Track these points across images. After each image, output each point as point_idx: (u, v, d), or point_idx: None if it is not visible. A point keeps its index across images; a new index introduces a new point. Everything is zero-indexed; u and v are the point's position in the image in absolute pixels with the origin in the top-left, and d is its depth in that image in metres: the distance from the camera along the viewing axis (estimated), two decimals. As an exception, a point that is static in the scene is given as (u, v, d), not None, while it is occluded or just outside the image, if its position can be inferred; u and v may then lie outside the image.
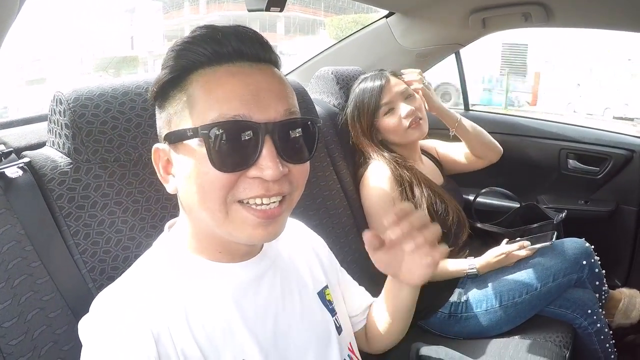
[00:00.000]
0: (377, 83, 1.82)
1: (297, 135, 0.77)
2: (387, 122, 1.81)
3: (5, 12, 0.86)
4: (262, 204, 0.74)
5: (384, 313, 1.14)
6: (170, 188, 0.81)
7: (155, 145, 0.80)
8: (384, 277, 1.74)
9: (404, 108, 1.80)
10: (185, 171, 0.75)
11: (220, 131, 0.70)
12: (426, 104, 1.91)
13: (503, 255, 1.71)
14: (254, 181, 0.73)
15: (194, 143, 0.72)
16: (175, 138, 0.75)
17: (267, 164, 0.71)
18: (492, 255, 1.73)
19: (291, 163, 0.76)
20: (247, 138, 0.71)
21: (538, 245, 1.73)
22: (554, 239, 1.75)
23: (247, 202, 0.74)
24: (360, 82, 1.88)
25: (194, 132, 0.71)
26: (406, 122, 1.80)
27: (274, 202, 0.75)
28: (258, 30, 0.78)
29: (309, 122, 0.79)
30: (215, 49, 0.73)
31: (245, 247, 0.85)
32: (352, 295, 1.16)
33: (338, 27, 27.94)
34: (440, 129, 1.98)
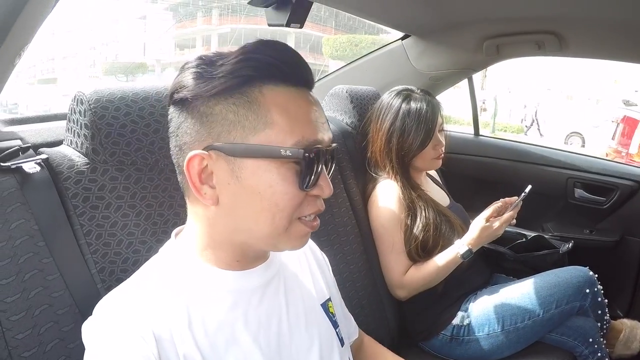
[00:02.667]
0: (435, 109, 1.80)
1: (334, 160, 0.87)
2: (427, 151, 1.80)
3: (41, 7, 0.89)
4: (312, 218, 0.82)
5: None
6: (207, 199, 0.78)
7: (193, 153, 0.75)
8: (390, 304, 1.76)
9: (439, 141, 1.83)
10: (250, 187, 0.75)
11: (313, 155, 0.75)
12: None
13: (486, 223, 1.68)
14: (313, 199, 0.80)
15: (278, 163, 0.75)
16: (250, 152, 0.74)
17: (327, 183, 0.80)
18: (476, 227, 1.70)
19: None
20: (321, 162, 0.78)
21: (517, 199, 1.73)
22: (527, 191, 1.74)
23: (305, 218, 0.81)
24: (409, 100, 1.81)
25: (294, 154, 0.74)
26: (436, 154, 1.82)
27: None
28: None
29: (337, 148, 0.88)
30: (292, 71, 0.78)
31: (264, 253, 0.88)
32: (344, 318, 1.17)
33: (333, 46, 28.21)
34: (446, 152, 1.98)
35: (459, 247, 1.68)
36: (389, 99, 1.85)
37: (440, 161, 1.86)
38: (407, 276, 1.74)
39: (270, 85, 0.75)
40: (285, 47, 0.78)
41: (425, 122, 1.77)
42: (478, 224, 1.69)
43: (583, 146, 13.82)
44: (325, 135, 0.80)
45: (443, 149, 1.85)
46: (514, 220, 1.74)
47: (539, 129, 15.87)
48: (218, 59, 0.76)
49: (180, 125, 0.79)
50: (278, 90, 0.76)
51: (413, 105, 1.79)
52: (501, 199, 1.77)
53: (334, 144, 0.83)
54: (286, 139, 0.74)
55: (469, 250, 1.67)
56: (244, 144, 0.74)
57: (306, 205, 0.79)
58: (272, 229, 0.77)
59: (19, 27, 0.85)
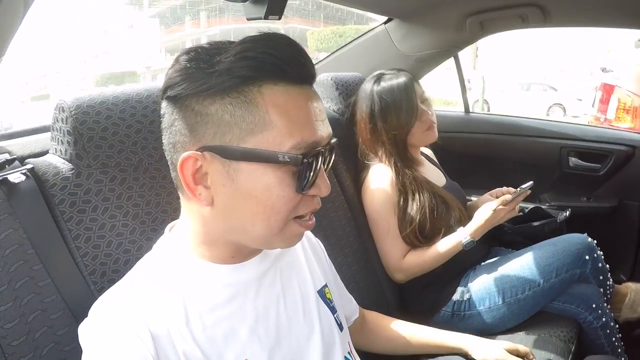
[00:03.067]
0: (408, 82, 1.79)
1: (332, 156, 0.85)
2: (417, 125, 1.79)
3: (10, 17, 0.88)
4: (308, 218, 0.82)
5: (413, 340, 1.29)
6: (202, 200, 0.77)
7: (188, 154, 0.74)
8: (389, 285, 1.76)
9: (424, 111, 1.81)
10: (246, 190, 0.74)
11: (312, 159, 0.74)
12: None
13: (491, 213, 1.68)
14: (310, 198, 0.79)
15: (274, 167, 0.73)
16: (247, 156, 0.72)
17: (324, 183, 0.79)
18: (479, 216, 1.70)
19: None
20: (321, 160, 0.77)
21: (520, 190, 1.71)
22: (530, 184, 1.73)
23: (300, 218, 0.80)
24: (378, 80, 1.82)
25: (292, 160, 0.72)
26: (425, 125, 1.81)
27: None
28: None
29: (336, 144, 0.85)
30: (292, 69, 0.74)
31: (252, 250, 0.87)
32: (342, 299, 1.19)
33: (318, 39, 28.19)
34: (438, 131, 1.98)
35: (462, 236, 1.69)
36: (363, 87, 1.87)
37: (434, 132, 1.85)
38: (406, 260, 1.74)
39: (270, 84, 0.72)
40: (287, 41, 0.74)
41: (402, 96, 1.77)
42: (484, 214, 1.69)
43: (564, 116, 14.08)
44: (325, 132, 0.77)
45: (433, 118, 1.84)
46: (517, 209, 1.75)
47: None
48: (215, 53, 0.73)
49: (173, 122, 0.76)
50: (278, 90, 0.73)
51: (384, 84, 1.80)
52: (505, 188, 1.77)
53: (333, 140, 0.81)
54: (284, 141, 0.72)
55: (472, 241, 1.68)
56: (240, 147, 0.72)
57: (302, 205, 0.78)
58: (267, 230, 0.77)
59: None
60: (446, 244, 1.71)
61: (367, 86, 1.84)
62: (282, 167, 0.73)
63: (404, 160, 1.80)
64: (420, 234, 1.74)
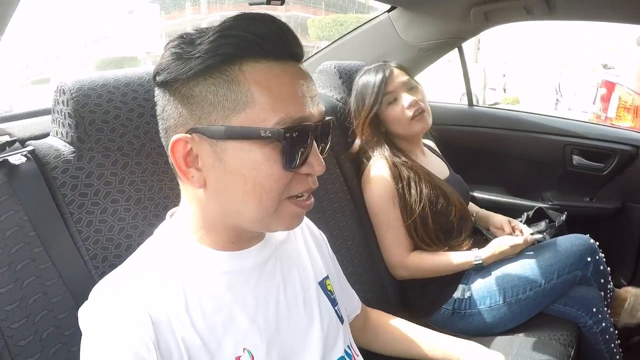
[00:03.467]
0: (380, 74, 1.80)
1: (327, 135, 0.83)
2: (390, 111, 1.79)
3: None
4: (302, 196, 0.80)
5: (412, 345, 1.24)
6: (195, 182, 0.77)
7: (177, 137, 0.75)
8: (390, 280, 1.74)
9: (406, 98, 1.78)
10: (235, 169, 0.74)
11: (297, 134, 0.73)
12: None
13: (507, 247, 1.69)
14: (303, 177, 0.78)
15: (260, 144, 0.72)
16: (231, 134, 0.72)
17: (317, 160, 0.78)
18: (496, 246, 1.71)
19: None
20: (307, 139, 0.75)
21: (538, 236, 1.72)
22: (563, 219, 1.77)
23: (295, 197, 0.79)
24: (362, 74, 1.86)
25: (274, 134, 0.71)
26: (409, 113, 1.78)
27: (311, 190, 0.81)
28: None
29: (331, 122, 0.84)
30: (273, 45, 0.74)
31: (259, 234, 0.88)
32: (344, 294, 1.18)
33: (318, 27, 28.26)
34: (440, 124, 1.94)
35: (475, 258, 1.70)
36: (354, 82, 1.91)
37: (425, 121, 1.82)
38: (413, 259, 1.74)
39: (251, 62, 0.72)
40: (267, 18, 0.74)
41: (371, 88, 1.80)
42: (501, 248, 1.70)
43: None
44: (315, 110, 0.77)
45: (422, 105, 1.81)
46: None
47: (557, 103, 14.88)
48: (198, 36, 0.73)
49: (164, 107, 0.78)
50: (259, 67, 0.73)
51: (364, 77, 1.85)
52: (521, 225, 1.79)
53: (328, 117, 0.81)
54: (268, 117, 0.72)
55: (481, 264, 1.70)
56: (224, 126, 0.72)
57: (295, 184, 0.77)
58: (260, 210, 0.76)
59: None
60: (457, 258, 1.71)
61: (355, 79, 1.90)
62: (268, 144, 0.72)
63: (395, 150, 1.81)
64: (424, 230, 1.73)
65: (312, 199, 0.83)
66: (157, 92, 0.79)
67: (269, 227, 0.81)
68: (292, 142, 0.72)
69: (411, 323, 1.27)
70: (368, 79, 1.82)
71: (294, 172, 0.76)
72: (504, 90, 16.03)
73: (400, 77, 1.81)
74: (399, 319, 1.29)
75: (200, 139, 0.74)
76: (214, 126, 0.73)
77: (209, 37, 0.71)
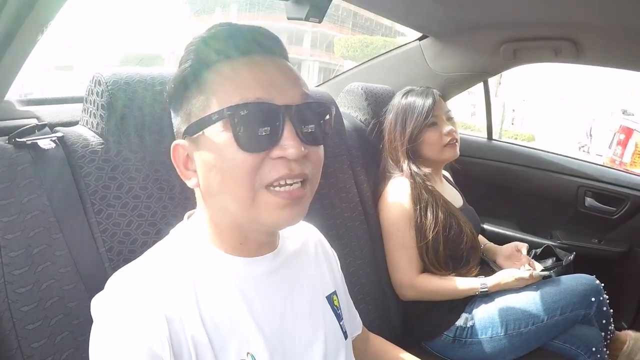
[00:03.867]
0: (430, 98, 1.84)
1: (313, 118, 0.79)
2: (429, 134, 1.83)
3: None
4: (285, 184, 0.76)
5: None
6: (191, 183, 0.82)
7: (175, 142, 0.82)
8: (395, 302, 1.76)
9: (446, 125, 1.84)
10: (208, 162, 0.77)
11: (246, 111, 0.72)
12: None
13: (512, 279, 1.71)
14: (277, 162, 0.75)
15: (217, 130, 0.74)
16: (197, 128, 0.76)
17: (290, 143, 0.74)
18: (502, 277, 1.73)
19: (309, 145, 0.78)
20: (270, 119, 0.74)
21: (544, 273, 1.74)
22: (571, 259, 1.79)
23: (273, 187, 0.75)
24: (407, 94, 1.90)
25: (220, 115, 0.73)
26: (446, 140, 1.84)
27: (296, 182, 0.77)
28: (285, 43, 0.83)
29: (325, 107, 0.82)
30: (232, 43, 0.77)
31: (266, 238, 0.87)
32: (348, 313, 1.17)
33: (344, 46, 28.32)
34: (460, 155, 1.97)
35: (481, 285, 1.73)
36: (394, 99, 1.94)
37: (456, 150, 1.88)
38: (421, 280, 1.75)
39: (218, 64, 0.77)
40: (222, 25, 0.80)
41: (421, 107, 1.83)
42: (506, 279, 1.73)
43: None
44: (289, 93, 0.77)
45: (456, 135, 1.87)
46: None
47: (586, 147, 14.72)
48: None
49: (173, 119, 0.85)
50: (225, 63, 0.77)
51: (410, 98, 1.87)
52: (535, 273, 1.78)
53: (310, 101, 0.79)
54: (227, 104, 0.74)
55: (487, 291, 1.73)
56: (197, 121, 0.77)
57: (268, 170, 0.75)
58: (237, 202, 0.77)
59: (44, 2, 0.85)
60: (464, 284, 1.73)
61: (397, 99, 1.91)
62: (226, 130, 0.74)
63: (422, 174, 1.83)
64: (434, 253, 1.74)
65: (301, 191, 0.78)
66: None
67: (256, 221, 0.78)
68: (244, 121, 0.72)
69: (413, 357, 1.26)
70: (415, 100, 1.85)
71: (264, 156, 0.74)
72: (512, 123, 15.99)
73: (444, 105, 1.88)
74: (401, 350, 1.28)
75: (190, 142, 0.79)
76: (191, 124, 0.78)
77: (191, 45, 0.79)
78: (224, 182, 0.75)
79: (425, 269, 1.78)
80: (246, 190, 0.75)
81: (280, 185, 0.76)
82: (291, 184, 0.76)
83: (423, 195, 1.77)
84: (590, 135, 14.89)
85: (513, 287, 1.73)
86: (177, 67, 0.82)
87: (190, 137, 0.78)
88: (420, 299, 1.76)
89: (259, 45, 0.79)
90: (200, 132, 0.76)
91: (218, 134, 0.74)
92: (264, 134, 0.73)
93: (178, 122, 0.82)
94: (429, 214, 1.75)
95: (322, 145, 0.82)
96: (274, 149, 0.74)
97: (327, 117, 0.82)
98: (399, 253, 1.77)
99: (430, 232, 1.73)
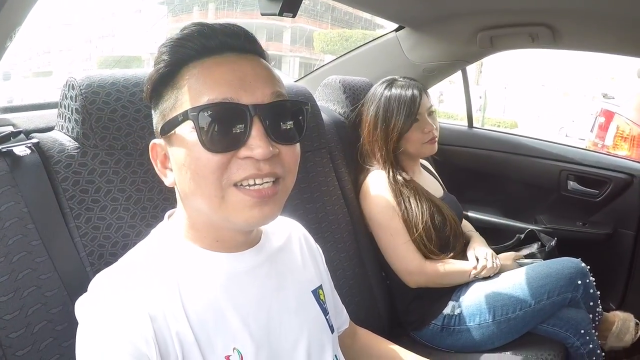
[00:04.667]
0: (417, 92, 1.83)
1: (286, 117, 0.80)
2: (412, 132, 1.83)
3: None
4: (255, 184, 0.76)
5: None
6: (168, 181, 0.83)
7: (153, 141, 0.83)
8: (381, 293, 1.76)
9: (428, 123, 1.84)
10: (179, 160, 0.77)
11: (209, 112, 0.73)
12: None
13: (510, 260, 1.83)
14: (245, 161, 0.75)
15: (186, 130, 0.75)
16: (168, 128, 0.78)
17: (257, 142, 0.73)
18: (503, 259, 1.84)
19: (280, 144, 0.78)
20: (236, 119, 0.74)
21: (526, 261, 1.84)
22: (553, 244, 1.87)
23: (242, 185, 0.75)
24: (390, 86, 1.87)
25: (184, 116, 0.74)
26: (426, 138, 1.84)
27: (267, 182, 0.77)
28: (264, 40, 0.87)
29: (298, 105, 0.83)
30: (203, 43, 0.77)
31: (242, 237, 0.87)
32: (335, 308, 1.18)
33: (324, 40, 28.37)
34: (440, 144, 1.98)
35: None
36: (374, 89, 1.91)
37: (435, 146, 1.88)
38: (430, 264, 1.75)
39: (190, 63, 0.78)
40: (192, 25, 0.80)
41: (406, 104, 1.81)
42: (507, 259, 1.87)
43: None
44: (259, 92, 0.76)
45: (436, 132, 1.86)
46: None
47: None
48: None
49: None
50: (197, 63, 0.77)
51: (394, 91, 1.84)
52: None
53: (281, 99, 0.79)
54: (194, 104, 0.75)
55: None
56: (167, 121, 0.78)
57: (236, 169, 0.75)
58: (207, 201, 0.77)
59: (10, 7, 0.85)
60: (468, 266, 1.78)
61: (379, 89, 1.88)
62: (192, 130, 0.74)
63: (398, 167, 1.83)
64: (429, 243, 1.76)
65: (272, 189, 0.77)
66: None
67: (227, 220, 0.78)
68: (208, 122, 0.73)
69: (401, 348, 1.25)
70: (401, 94, 1.83)
71: (231, 156, 0.74)
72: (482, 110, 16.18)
73: (427, 100, 1.87)
74: (388, 342, 1.27)
75: (165, 141, 0.81)
76: (164, 124, 0.79)
77: (163, 47, 0.80)
78: (193, 181, 0.76)
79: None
80: (214, 189, 0.75)
81: (250, 185, 0.76)
82: (261, 184, 0.76)
83: (401, 187, 1.78)
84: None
85: (511, 268, 1.80)
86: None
87: (165, 135, 0.80)
88: (429, 284, 1.76)
89: (232, 44, 0.79)
90: (173, 132, 0.77)
91: (187, 133, 0.75)
92: (230, 133, 0.74)
93: (156, 121, 0.83)
94: (413, 207, 1.76)
95: (297, 144, 0.82)
96: (241, 149, 0.74)
97: (301, 116, 0.82)
98: (396, 242, 1.76)
99: (420, 223, 1.73)
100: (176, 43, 0.78)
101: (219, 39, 0.78)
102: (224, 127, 0.73)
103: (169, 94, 0.79)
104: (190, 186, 0.76)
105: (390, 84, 1.87)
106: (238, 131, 0.74)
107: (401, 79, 1.89)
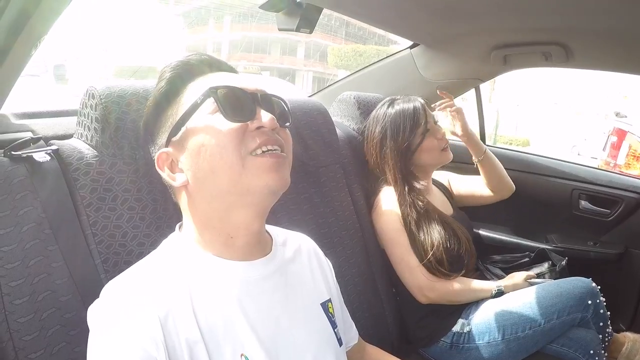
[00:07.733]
0: (419, 104, 1.86)
1: (277, 104, 0.93)
2: (428, 141, 1.86)
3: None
4: (268, 150, 0.84)
5: None
6: (179, 181, 0.88)
7: (159, 151, 0.90)
8: (391, 310, 1.76)
9: (439, 130, 1.87)
10: (197, 144, 0.84)
11: (225, 90, 0.85)
12: (460, 128, 1.97)
13: (522, 279, 1.82)
14: (257, 132, 0.84)
15: (206, 108, 0.85)
16: (181, 123, 0.86)
17: (265, 115, 0.85)
18: (516, 278, 1.84)
19: (278, 123, 0.88)
20: (245, 99, 0.86)
21: (537, 280, 1.83)
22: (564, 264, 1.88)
23: (256, 153, 0.84)
24: (392, 104, 1.91)
25: (204, 95, 0.85)
26: (442, 144, 1.87)
27: (276, 149, 0.86)
28: (279, 54, 0.96)
29: (282, 99, 0.96)
30: (205, 63, 0.94)
31: (252, 241, 0.91)
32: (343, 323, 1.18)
33: (338, 55, 28.46)
34: (457, 162, 1.99)
35: (497, 286, 1.80)
36: (375, 112, 1.95)
37: (449, 153, 1.91)
38: (442, 282, 1.75)
39: (195, 80, 0.91)
40: (192, 54, 0.95)
41: (412, 117, 1.85)
42: (519, 279, 1.85)
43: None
44: (252, 85, 0.89)
45: (447, 140, 1.90)
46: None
47: None
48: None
49: None
50: (198, 80, 0.91)
51: (397, 107, 1.88)
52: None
53: (270, 93, 0.92)
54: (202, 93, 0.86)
55: (502, 291, 1.80)
56: (174, 124, 0.87)
57: (250, 138, 0.84)
58: (228, 170, 0.82)
59: (38, 17, 0.87)
60: (480, 284, 1.79)
61: (380, 111, 1.92)
62: (212, 112, 0.84)
63: (410, 187, 1.84)
64: (440, 266, 1.75)
65: (280, 156, 0.86)
66: None
67: (249, 187, 0.84)
68: (224, 97, 0.84)
69: None
70: (404, 108, 1.87)
71: (246, 128, 0.84)
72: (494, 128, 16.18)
73: (429, 111, 1.90)
74: (397, 359, 1.27)
75: (173, 147, 0.88)
76: (172, 125, 0.88)
77: (170, 66, 0.92)
78: (214, 155, 0.83)
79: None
80: (235, 157, 0.82)
81: (264, 151, 0.84)
82: (273, 150, 0.85)
83: (410, 211, 1.79)
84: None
85: (523, 287, 1.79)
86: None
87: (174, 139, 0.88)
88: (440, 300, 1.76)
89: (225, 66, 0.97)
90: (184, 128, 0.86)
91: (203, 116, 0.85)
92: (244, 107, 0.85)
93: (160, 133, 0.92)
94: (424, 228, 1.78)
95: (288, 130, 0.94)
96: (253, 121, 0.85)
97: (285, 108, 0.95)
98: (409, 257, 1.77)
99: (430, 249, 1.74)
100: (183, 63, 0.93)
101: (214, 61, 0.96)
102: (238, 102, 0.84)
103: (172, 105, 0.90)
104: (212, 163, 0.83)
105: (391, 103, 1.92)
106: (248, 108, 0.85)
107: (400, 97, 1.93)
